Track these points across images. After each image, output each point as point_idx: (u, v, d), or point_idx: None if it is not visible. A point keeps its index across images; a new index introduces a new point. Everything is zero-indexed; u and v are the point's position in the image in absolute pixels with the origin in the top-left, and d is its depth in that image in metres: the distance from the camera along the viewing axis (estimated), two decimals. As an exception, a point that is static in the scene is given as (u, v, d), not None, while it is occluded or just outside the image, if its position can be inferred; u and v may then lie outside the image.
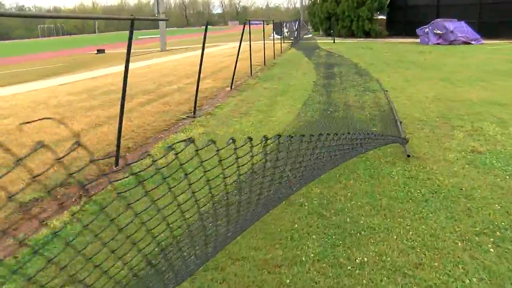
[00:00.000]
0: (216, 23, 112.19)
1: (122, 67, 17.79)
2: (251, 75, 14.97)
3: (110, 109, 9.29)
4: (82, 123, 8.02)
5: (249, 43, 15.26)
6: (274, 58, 21.05)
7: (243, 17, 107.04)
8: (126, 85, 5.50)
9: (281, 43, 25.67)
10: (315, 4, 42.45)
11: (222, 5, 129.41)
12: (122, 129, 7.54)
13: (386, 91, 10.73)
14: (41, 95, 11.48)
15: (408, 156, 5.49)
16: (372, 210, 4.05)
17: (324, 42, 31.63)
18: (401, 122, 7.39)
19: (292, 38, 33.97)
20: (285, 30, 41.79)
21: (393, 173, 4.97)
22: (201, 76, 15.00)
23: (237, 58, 12.42)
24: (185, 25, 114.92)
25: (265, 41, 21.80)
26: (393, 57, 18.97)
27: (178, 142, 1.64)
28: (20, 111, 9.20)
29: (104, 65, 21.32)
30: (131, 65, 18.40)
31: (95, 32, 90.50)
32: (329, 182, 4.74)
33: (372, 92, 10.65)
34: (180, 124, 8.06)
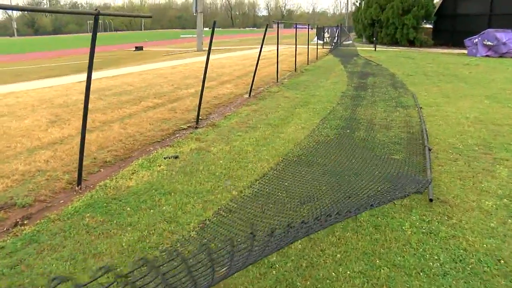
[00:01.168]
0: (260, 26, 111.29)
1: (149, 66, 17.29)
2: (277, 81, 13.90)
3: (112, 112, 8.52)
4: (73, 128, 7.26)
5: (288, 47, 14.21)
6: (308, 64, 19.86)
7: (288, 20, 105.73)
8: (88, 95, 4.60)
9: (317, 48, 24.39)
10: (359, 10, 40.68)
11: (268, 8, 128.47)
12: (110, 137, 6.74)
13: (421, 108, 9.36)
14: (54, 92, 10.95)
15: (431, 200, 4.26)
16: (365, 285, 2.90)
17: (365, 49, 29.96)
18: (430, 150, 6.11)
19: (333, 44, 32.59)
20: (326, 35, 40.44)
21: (406, 225, 3.76)
22: (224, 79, 14.13)
23: (257, 64, 11.38)
24: (230, 26, 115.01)
25: (305, 46, 20.69)
26: (435, 68, 17.29)
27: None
28: (20, 110, 8.61)
29: (134, 63, 20.93)
30: (158, 65, 17.84)
31: (141, 29, 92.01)
32: (319, 232, 3.62)
33: (404, 108, 9.31)
34: (177, 135, 7.13)
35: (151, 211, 4.12)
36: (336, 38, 32.34)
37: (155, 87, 12.04)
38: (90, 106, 9.05)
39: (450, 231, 3.68)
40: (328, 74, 16.10)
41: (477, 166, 5.44)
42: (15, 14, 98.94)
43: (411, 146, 6.36)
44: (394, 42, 34.70)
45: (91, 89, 11.11)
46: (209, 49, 7.57)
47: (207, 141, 6.60)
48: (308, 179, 4.91)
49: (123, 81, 13.12)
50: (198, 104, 9.52)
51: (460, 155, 5.94)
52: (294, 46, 18.67)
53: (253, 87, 12.44)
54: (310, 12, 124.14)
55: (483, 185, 4.75)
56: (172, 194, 4.54)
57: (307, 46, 21.02)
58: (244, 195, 4.46)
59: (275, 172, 5.17)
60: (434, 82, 13.36)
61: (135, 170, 5.30)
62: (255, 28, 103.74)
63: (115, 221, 3.90)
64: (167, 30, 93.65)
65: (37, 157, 5.69)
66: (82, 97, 10.21)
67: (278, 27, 14.03)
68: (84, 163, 5.61)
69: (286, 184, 4.74)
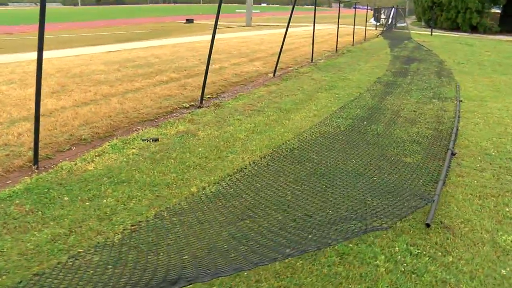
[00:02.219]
0: (320, 4, 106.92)
1: (188, 39, 16.61)
2: (312, 61, 12.79)
3: (120, 85, 7.98)
4: (71, 100, 6.79)
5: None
6: (353, 45, 18.40)
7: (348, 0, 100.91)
8: (40, 70, 3.98)
9: (365, 29, 22.61)
10: (420, -9, 37.63)
11: None
12: (101, 113, 6.19)
13: (461, 101, 8.03)
14: (78, 61, 10.63)
15: (428, 225, 3.26)
16: None
17: (421, 33, 27.61)
18: (454, 154, 4.99)
19: (386, 26, 30.38)
20: (383, 16, 37.93)
21: (381, 258, 2.84)
22: (256, 56, 13.23)
23: (283, 43, 10.35)
24: (289, 3, 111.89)
25: (358, 27, 19.17)
26: (493, 57, 15.29)
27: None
28: (32, 77, 8.27)
29: (177, 35, 20.44)
30: (198, 38, 17.08)
31: (199, 3, 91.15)
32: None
33: (441, 100, 8.02)
34: (174, 114, 6.44)
35: (89, 203, 3.48)
36: (390, 20, 30.06)
37: (181, 60, 11.40)
38: (103, 77, 8.63)
39: (440, 273, 2.71)
40: (370, 57, 14.69)
41: (508, 181, 4.29)
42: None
43: (432, 147, 5.25)
44: (455, 28, 31.75)
45: (114, 59, 10.60)
46: (216, 24, 6.74)
47: (199, 124, 5.85)
48: (289, 180, 4.04)
49: (153, 53, 12.61)
50: (217, 80, 8.81)
51: (490, 164, 4.78)
52: (350, 26, 17.38)
53: (282, 67, 11.51)
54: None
55: (507, 210, 3.65)
56: (125, 184, 3.87)
57: (353, 27, 19.46)
58: (203, 194, 3.70)
59: (254, 167, 4.34)
60: (487, 73, 11.67)
61: (103, 152, 4.68)
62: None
63: (41, 213, 3.30)
64: (224, 5, 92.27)
65: (14, 130, 5.24)
66: (101, 67, 9.83)
67: (315, 4, 12.83)
68: (59, 139, 5.10)
69: (259, 185, 3.90)
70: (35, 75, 8.54)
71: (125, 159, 4.46)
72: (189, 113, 6.45)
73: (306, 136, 5.44)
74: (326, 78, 9.90)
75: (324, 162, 4.56)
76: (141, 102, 6.88)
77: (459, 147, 5.34)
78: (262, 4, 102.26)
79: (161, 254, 2.77)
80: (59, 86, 7.62)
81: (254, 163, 4.47)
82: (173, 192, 3.74)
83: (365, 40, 20.99)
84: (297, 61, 12.80)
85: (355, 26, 19.63)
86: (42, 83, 7.75)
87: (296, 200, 3.57)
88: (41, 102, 6.48)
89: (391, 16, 30.23)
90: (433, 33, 27.06)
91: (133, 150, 4.76)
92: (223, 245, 2.87)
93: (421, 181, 4.16)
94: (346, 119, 6.41)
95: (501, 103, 7.94)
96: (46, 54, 11.97)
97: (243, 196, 3.66)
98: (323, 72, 10.89)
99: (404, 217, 3.05)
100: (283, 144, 5.10)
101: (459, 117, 6.86)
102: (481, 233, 3.24)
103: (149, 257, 2.76)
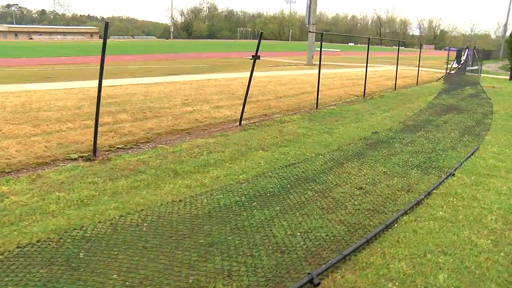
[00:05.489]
0: (409, 45, 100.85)
1: (216, 76, 15.58)
2: (317, 107, 10.80)
3: (47, 125, 7.04)
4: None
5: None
6: (394, 89, 15.88)
7: (440, 42, 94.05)
8: None
9: (417, 72, 19.58)
10: None
11: (420, 27, 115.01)
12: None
13: (452, 174, 5.66)
14: (59, 95, 10.04)
15: None
16: None
17: (498, 78, 23.56)
18: (316, 285, 2.98)
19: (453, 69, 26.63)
20: (463, 58, 33.86)
21: None
22: (257, 99, 11.65)
23: (248, 88, 8.61)
24: (378, 43, 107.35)
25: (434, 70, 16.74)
26: None
27: None
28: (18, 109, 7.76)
29: (217, 71, 19.68)
30: (227, 75, 15.96)
31: (288, 40, 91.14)
32: None
33: (425, 172, 5.80)
34: (42, 167, 5.20)
35: None
36: (462, 63, 26.39)
37: (163, 100, 10.25)
38: (46, 114, 7.80)
39: None
40: (399, 104, 12.23)
41: None
42: (179, 20, 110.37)
43: (296, 265, 3.24)
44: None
45: (131, 92, 9.53)
46: (101, 67, 5.43)
47: (37, 184, 4.50)
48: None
49: (149, 90, 11.75)
50: (149, 127, 7.55)
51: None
52: (426, 68, 15.11)
53: (270, 112, 9.90)
54: (468, 33, 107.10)
55: None
56: None
57: (394, 69, 16.93)
58: None
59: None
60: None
61: None
62: (403, 47, 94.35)
63: None
64: (305, 42, 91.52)
65: None
66: (70, 103, 9.05)
67: (354, 45, 10.99)
68: None
69: None
70: (13, 105, 7.92)
71: None
72: (56, 167, 5.17)
73: (129, 220, 3.78)
74: (300, 131, 7.97)
75: (81, 269, 2.89)
76: (31, 148, 5.80)
77: (347, 267, 3.26)
78: (350, 44, 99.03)
79: None
80: (22, 120, 7.00)
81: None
82: None
83: (417, 84, 18.11)
84: (299, 106, 10.94)
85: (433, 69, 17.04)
86: (9, 111, 7.12)
87: None
88: None
89: (464, 59, 26.53)
90: (512, 79, 22.92)
91: None
92: None
93: None
94: (235, 195, 4.57)
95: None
96: (43, 86, 11.79)
97: None
98: (310, 122, 8.94)
99: None
100: (78, 229, 3.52)
101: (417, 204, 4.59)
102: None
103: None
